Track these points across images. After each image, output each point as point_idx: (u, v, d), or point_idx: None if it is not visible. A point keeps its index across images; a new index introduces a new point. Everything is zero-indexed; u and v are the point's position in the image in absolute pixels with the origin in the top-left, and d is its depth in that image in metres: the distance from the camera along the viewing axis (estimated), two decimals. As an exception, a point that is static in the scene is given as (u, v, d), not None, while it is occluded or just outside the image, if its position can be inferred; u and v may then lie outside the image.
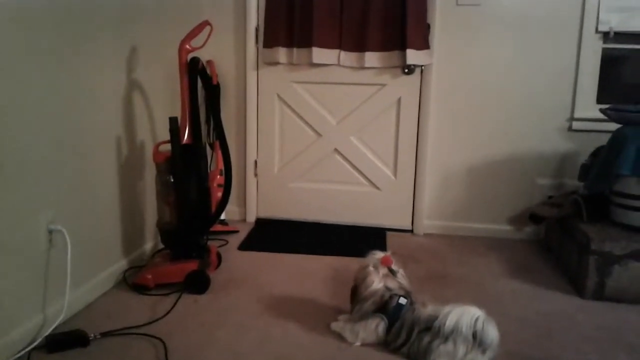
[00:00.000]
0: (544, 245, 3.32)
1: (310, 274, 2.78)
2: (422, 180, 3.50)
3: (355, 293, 2.11)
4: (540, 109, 3.33)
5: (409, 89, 3.41)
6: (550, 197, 3.30)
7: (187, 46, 2.50)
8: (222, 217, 3.50)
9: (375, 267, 2.10)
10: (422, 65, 3.35)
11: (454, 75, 3.36)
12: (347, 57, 3.38)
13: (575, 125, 3.30)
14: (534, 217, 3.23)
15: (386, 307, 2.02)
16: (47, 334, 2.02)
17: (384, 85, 3.43)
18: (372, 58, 3.33)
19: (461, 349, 1.89)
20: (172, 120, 2.43)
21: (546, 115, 3.33)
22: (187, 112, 2.53)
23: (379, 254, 2.16)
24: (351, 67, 3.41)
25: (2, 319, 1.87)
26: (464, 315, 1.92)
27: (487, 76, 3.34)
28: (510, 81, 3.33)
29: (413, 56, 3.24)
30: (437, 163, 3.48)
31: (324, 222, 3.64)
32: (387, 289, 2.05)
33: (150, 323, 2.19)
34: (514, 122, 3.37)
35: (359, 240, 3.38)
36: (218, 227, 3.37)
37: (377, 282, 2.05)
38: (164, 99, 3.00)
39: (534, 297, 2.58)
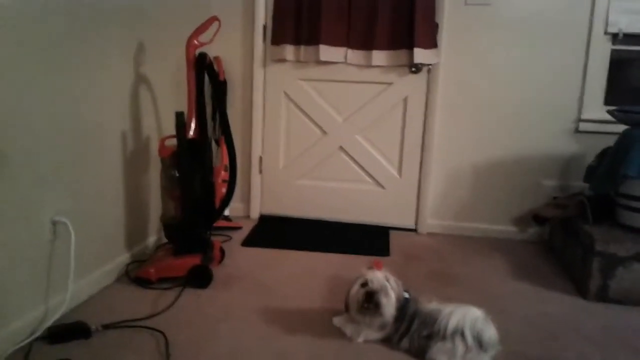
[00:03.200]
0: (548, 247, 3.30)
1: (313, 270, 2.78)
2: (426, 180, 3.49)
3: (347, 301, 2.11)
4: (547, 110, 3.32)
5: (415, 88, 3.40)
6: (555, 198, 3.28)
7: (195, 41, 2.51)
8: (226, 213, 3.50)
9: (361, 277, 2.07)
10: (429, 65, 3.34)
11: (461, 75, 3.35)
12: (355, 55, 3.38)
13: (582, 126, 3.29)
14: (537, 218, 3.21)
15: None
16: (49, 325, 2.03)
17: (390, 83, 3.43)
18: (379, 56, 3.33)
19: (460, 348, 1.89)
20: (179, 115, 2.43)
21: (553, 116, 3.32)
22: (194, 107, 2.54)
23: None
24: (358, 65, 3.41)
25: (5, 310, 1.88)
26: (465, 317, 1.92)
27: (494, 76, 3.33)
28: (517, 81, 3.32)
29: (420, 55, 3.23)
30: (442, 162, 3.47)
31: (328, 219, 3.64)
32: (365, 284, 2.02)
33: (152, 316, 2.20)
34: (520, 122, 3.36)
35: (363, 238, 3.37)
36: (222, 223, 3.38)
37: (355, 288, 2.04)
38: (171, 94, 3.01)
39: (537, 297, 2.57)
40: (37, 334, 1.98)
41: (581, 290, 2.62)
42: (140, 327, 2.11)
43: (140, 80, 2.71)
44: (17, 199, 1.90)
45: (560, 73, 3.28)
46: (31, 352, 1.89)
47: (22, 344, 1.91)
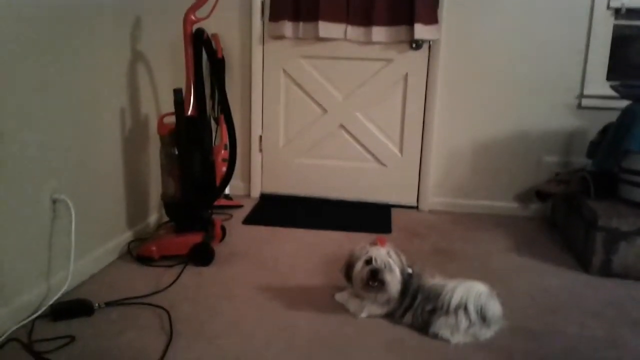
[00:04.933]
0: (550, 222, 3.30)
1: (314, 248, 2.78)
2: (428, 157, 3.47)
3: (349, 273, 2.09)
4: (549, 86, 3.29)
5: (416, 64, 3.37)
6: (557, 174, 3.27)
7: (192, 17, 2.47)
8: (227, 191, 3.49)
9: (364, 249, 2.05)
10: (430, 41, 3.30)
11: (462, 50, 3.32)
12: (354, 32, 3.33)
13: (585, 102, 3.26)
14: (540, 194, 3.21)
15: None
16: (51, 302, 2.02)
17: (391, 60, 3.39)
18: (379, 32, 3.28)
19: (463, 323, 1.90)
20: (177, 92, 2.40)
21: (555, 92, 3.29)
22: (192, 84, 2.51)
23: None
24: (358, 42, 3.36)
25: (7, 288, 1.87)
26: (469, 292, 1.92)
27: (496, 52, 3.30)
28: (519, 57, 3.28)
29: (421, 31, 3.19)
30: (444, 139, 3.45)
31: (329, 198, 3.63)
32: (369, 261, 2.01)
33: (154, 293, 2.20)
34: (522, 99, 3.33)
35: (364, 216, 3.37)
36: (222, 202, 3.37)
37: (359, 265, 2.02)
38: (169, 71, 2.98)
39: (540, 273, 2.57)
40: (40, 311, 1.98)
41: (584, 265, 2.62)
42: (143, 304, 2.11)
43: (138, 56, 2.67)
44: (15, 177, 1.88)
45: (562, 48, 3.24)
46: (34, 329, 1.88)
47: (25, 321, 1.91)
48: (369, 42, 3.32)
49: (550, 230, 3.18)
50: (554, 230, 3.17)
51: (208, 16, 2.51)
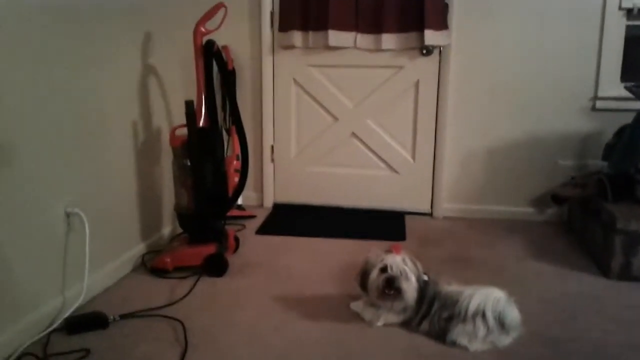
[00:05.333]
0: (567, 227, 3.25)
1: (328, 257, 2.76)
2: (441, 163, 3.45)
3: (364, 282, 2.07)
4: (562, 89, 3.25)
5: (427, 70, 3.35)
6: (572, 177, 3.23)
7: (202, 28, 2.48)
8: (239, 202, 3.49)
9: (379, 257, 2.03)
10: (440, 46, 3.29)
11: (473, 55, 3.30)
12: (364, 40, 3.33)
13: (599, 104, 3.22)
14: (556, 198, 3.16)
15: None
16: (66, 316, 2.02)
17: (401, 67, 3.38)
18: (389, 40, 3.28)
19: (482, 330, 1.87)
20: (188, 104, 2.41)
21: (569, 94, 3.25)
22: (203, 96, 2.52)
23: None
24: (368, 50, 3.36)
25: (22, 301, 1.88)
26: (487, 299, 1.89)
27: (507, 55, 3.27)
28: (531, 60, 3.25)
29: (431, 37, 3.18)
30: (456, 145, 3.43)
31: (342, 206, 3.61)
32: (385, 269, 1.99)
33: (169, 305, 2.19)
34: (535, 102, 3.30)
35: (378, 223, 3.34)
36: (235, 212, 3.36)
37: (375, 273, 2.00)
38: (180, 84, 2.99)
39: (558, 278, 2.53)
40: (55, 325, 1.98)
41: (603, 269, 2.57)
42: (158, 316, 2.11)
43: (149, 70, 2.69)
44: (30, 190, 1.89)
45: (575, 50, 3.21)
46: (49, 343, 1.89)
47: (40, 335, 1.91)
48: (379, 49, 3.32)
49: (567, 235, 3.13)
50: (571, 235, 3.12)
51: (218, 27, 2.52)
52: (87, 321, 2.00)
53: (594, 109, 3.24)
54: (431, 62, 3.34)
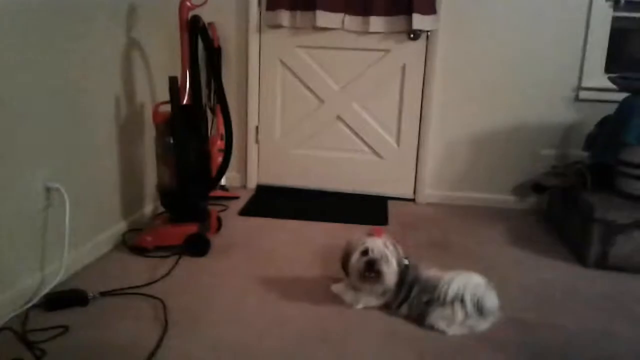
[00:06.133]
0: (547, 215, 3.29)
1: (310, 239, 2.77)
2: (425, 149, 3.46)
3: (345, 264, 2.08)
4: (547, 78, 3.27)
5: (414, 55, 3.34)
6: (554, 167, 3.26)
7: (188, 3, 2.44)
8: (223, 183, 3.47)
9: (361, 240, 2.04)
10: (428, 31, 3.28)
11: (460, 42, 3.29)
12: (352, 21, 3.31)
13: (583, 94, 3.25)
14: (537, 187, 3.20)
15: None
16: (45, 292, 2.00)
17: (388, 51, 3.37)
18: (377, 22, 3.25)
19: (460, 315, 1.89)
20: (172, 80, 2.38)
21: (553, 84, 3.27)
22: (188, 72, 2.48)
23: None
24: (355, 32, 3.33)
25: (0, 277, 1.85)
26: (467, 284, 1.91)
27: (493, 43, 3.27)
28: (517, 49, 3.26)
29: (419, 21, 3.16)
30: (441, 132, 3.43)
31: (326, 189, 3.61)
32: (366, 252, 1.99)
33: (149, 284, 2.18)
34: (519, 91, 3.31)
35: (361, 208, 3.35)
36: (218, 193, 3.35)
37: (356, 256, 2.01)
38: (164, 60, 2.95)
39: (536, 265, 2.57)
40: (34, 301, 1.96)
41: (580, 258, 2.61)
42: (138, 294, 2.10)
43: (133, 44, 2.64)
44: (8, 163, 1.85)
45: (560, 40, 3.22)
46: (28, 319, 1.87)
47: (19, 311, 1.90)
48: (366, 32, 3.29)
49: (547, 223, 3.17)
50: (551, 223, 3.16)
51: (204, 2, 2.48)
52: (66, 298, 1.99)
53: (577, 99, 3.27)
54: (418, 47, 3.33)
